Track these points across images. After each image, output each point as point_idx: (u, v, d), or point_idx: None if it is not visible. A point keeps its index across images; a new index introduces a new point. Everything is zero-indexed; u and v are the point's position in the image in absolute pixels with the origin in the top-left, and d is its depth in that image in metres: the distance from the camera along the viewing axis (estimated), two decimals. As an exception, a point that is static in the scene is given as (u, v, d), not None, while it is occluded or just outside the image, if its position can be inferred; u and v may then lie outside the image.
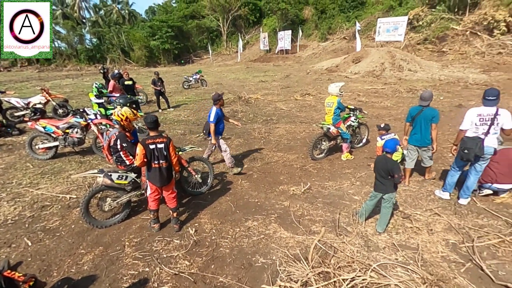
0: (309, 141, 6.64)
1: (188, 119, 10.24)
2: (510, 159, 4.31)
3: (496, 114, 3.81)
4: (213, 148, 5.82)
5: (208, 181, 5.16)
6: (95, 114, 6.77)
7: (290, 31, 33.73)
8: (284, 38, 33.80)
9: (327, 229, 3.99)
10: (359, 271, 3.15)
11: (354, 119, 6.53)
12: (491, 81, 14.21)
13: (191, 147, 5.13)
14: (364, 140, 7.09)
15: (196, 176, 4.88)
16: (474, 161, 4.09)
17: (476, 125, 3.93)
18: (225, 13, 40.57)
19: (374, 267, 3.23)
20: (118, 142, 4.17)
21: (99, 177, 4.01)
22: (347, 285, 2.90)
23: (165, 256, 3.60)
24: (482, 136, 3.91)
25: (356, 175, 5.57)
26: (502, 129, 3.95)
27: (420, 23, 23.18)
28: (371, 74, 17.98)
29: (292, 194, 4.99)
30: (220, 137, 5.58)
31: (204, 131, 5.76)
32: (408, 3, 26.26)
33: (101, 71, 14.84)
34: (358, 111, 6.59)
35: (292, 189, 5.13)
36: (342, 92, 5.99)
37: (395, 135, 5.37)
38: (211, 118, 5.27)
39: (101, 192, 4.20)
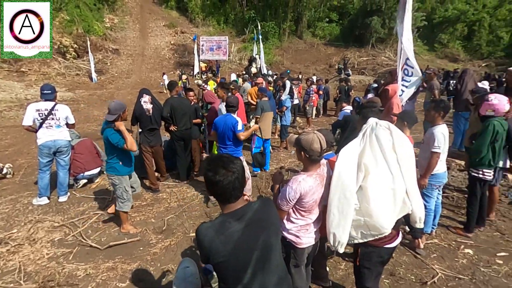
0: None
1: None
2: (88, 148, 4.94)
3: (53, 108, 4.05)
4: None
5: None
6: None
7: None
8: None
9: None
10: None
11: None
12: (77, 97, 15.81)
13: None
14: None
15: None
16: (55, 156, 4.18)
17: (37, 119, 3.94)
18: None
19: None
20: None
21: None
22: None
23: None
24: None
25: None
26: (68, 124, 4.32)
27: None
28: None
29: None
30: None
31: None
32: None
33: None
34: None
35: None
36: None
37: None
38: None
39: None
